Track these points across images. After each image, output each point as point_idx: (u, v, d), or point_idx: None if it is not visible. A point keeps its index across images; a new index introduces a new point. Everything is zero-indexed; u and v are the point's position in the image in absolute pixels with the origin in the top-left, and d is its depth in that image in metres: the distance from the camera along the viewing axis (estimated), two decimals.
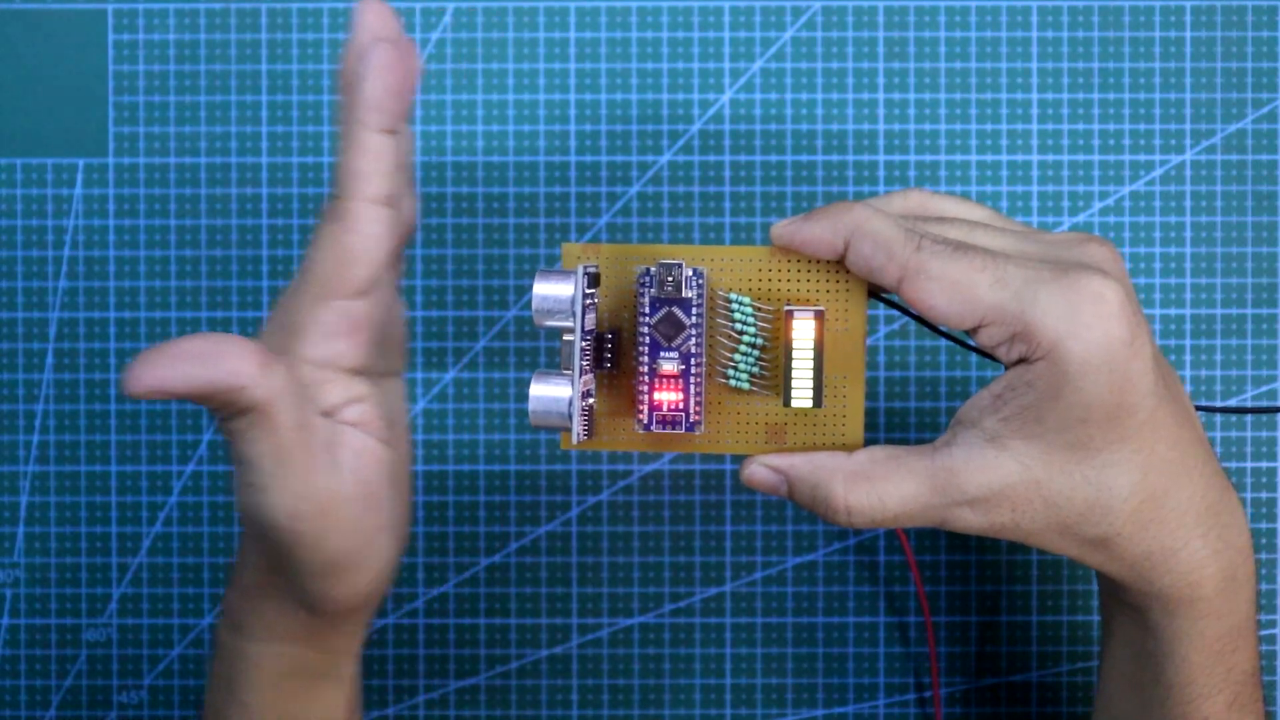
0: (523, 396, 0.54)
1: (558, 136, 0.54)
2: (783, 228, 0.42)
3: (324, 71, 0.54)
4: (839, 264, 0.42)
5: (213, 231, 0.54)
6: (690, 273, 0.43)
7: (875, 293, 0.44)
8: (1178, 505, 0.41)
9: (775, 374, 0.43)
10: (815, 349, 0.42)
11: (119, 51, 0.54)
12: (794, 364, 0.42)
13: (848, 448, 0.43)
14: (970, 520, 0.41)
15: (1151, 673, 0.44)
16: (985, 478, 0.40)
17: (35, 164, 0.54)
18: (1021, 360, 0.40)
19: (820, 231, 0.41)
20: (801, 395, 0.42)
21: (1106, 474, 0.40)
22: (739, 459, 0.44)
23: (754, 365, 0.43)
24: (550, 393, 0.42)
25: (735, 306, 0.43)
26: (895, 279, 0.41)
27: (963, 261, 0.40)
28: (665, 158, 0.54)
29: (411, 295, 0.54)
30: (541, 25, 0.54)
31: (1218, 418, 0.54)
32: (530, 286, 0.51)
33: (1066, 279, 0.39)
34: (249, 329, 0.54)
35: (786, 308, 0.42)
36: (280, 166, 0.54)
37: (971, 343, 0.44)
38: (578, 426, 0.42)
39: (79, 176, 0.54)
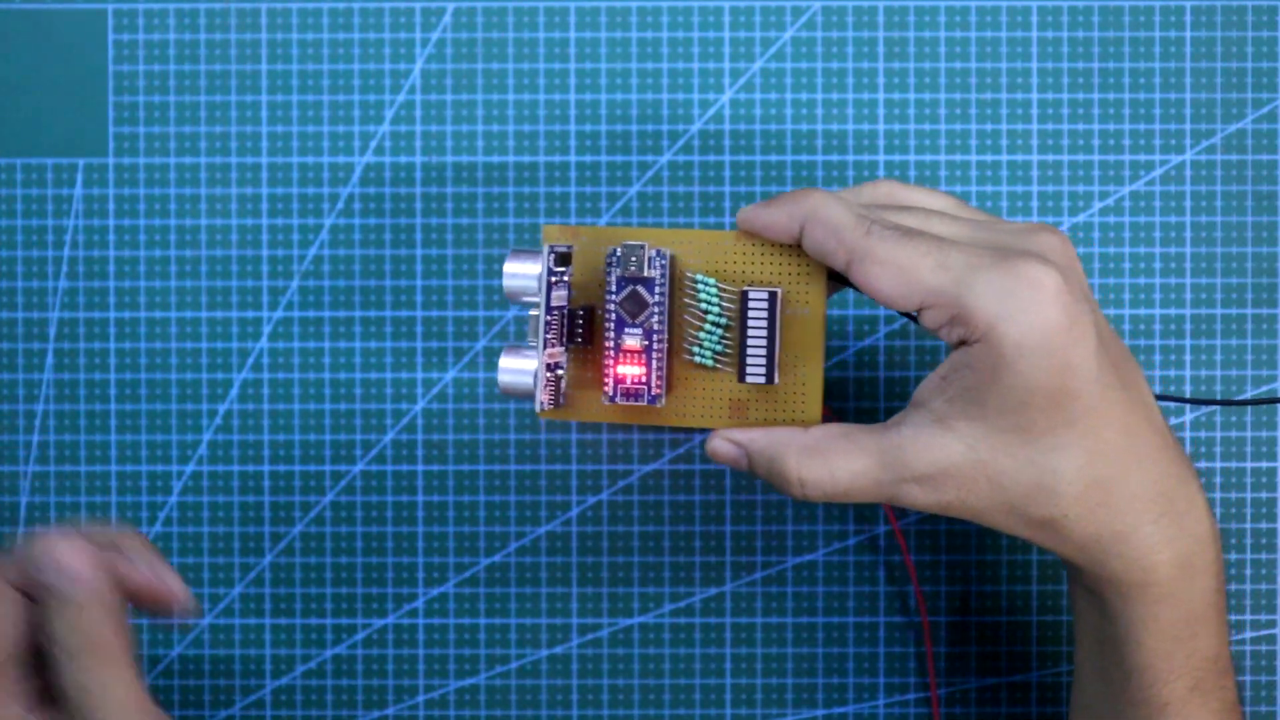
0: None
1: (558, 136, 0.54)
2: (747, 212, 0.44)
3: (324, 71, 0.54)
4: (800, 248, 0.44)
5: (213, 231, 0.54)
6: (654, 253, 0.45)
7: (839, 277, 0.45)
8: (1127, 491, 0.42)
9: (736, 352, 0.44)
10: (768, 328, 0.44)
11: (119, 51, 0.54)
12: (748, 342, 0.44)
13: (806, 424, 0.44)
14: (919, 497, 0.42)
15: (1114, 658, 0.44)
16: (931, 456, 0.41)
17: (35, 164, 0.54)
18: (962, 343, 0.41)
19: (778, 216, 0.43)
20: (755, 372, 0.44)
21: (1051, 457, 0.41)
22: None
23: (718, 343, 0.45)
24: (516, 365, 0.46)
25: (701, 287, 0.45)
26: (844, 262, 0.42)
27: (908, 246, 0.41)
28: (665, 158, 0.54)
29: (411, 295, 0.54)
30: (541, 25, 0.54)
31: (1218, 417, 0.54)
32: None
33: (1005, 264, 0.40)
34: (249, 329, 0.54)
35: (744, 289, 0.44)
36: (280, 166, 0.54)
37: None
38: (541, 395, 0.45)
39: (79, 176, 0.54)
